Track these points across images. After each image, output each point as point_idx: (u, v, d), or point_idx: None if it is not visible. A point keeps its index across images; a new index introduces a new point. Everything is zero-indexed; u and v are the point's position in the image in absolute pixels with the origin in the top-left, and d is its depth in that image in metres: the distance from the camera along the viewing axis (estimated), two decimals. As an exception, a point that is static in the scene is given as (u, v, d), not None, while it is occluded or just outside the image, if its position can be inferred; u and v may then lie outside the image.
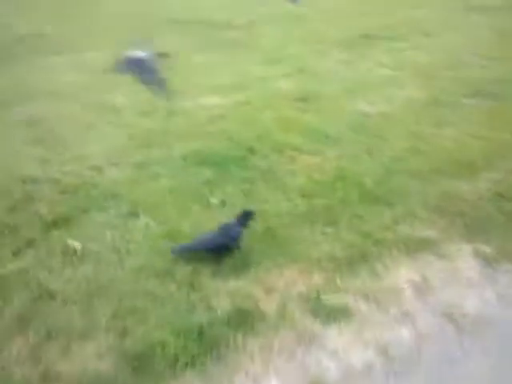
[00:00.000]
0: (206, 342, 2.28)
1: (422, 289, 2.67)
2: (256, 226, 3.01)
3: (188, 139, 4.30)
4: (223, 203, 3.38)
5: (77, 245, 2.84)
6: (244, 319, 2.40)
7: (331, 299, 2.55)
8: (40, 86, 5.44)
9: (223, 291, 2.58)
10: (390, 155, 4.01)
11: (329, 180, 3.67)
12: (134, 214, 3.21)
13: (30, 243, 2.90)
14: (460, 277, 2.78)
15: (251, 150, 4.09)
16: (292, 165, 3.92)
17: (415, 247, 2.98)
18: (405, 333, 2.41)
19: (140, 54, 3.06)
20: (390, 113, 4.83)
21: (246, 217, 2.92)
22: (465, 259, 2.92)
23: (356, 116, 4.78)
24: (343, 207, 3.32)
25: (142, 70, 2.98)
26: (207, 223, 3.12)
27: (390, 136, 4.37)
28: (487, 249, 2.98)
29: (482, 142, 4.16)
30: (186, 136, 4.36)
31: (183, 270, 2.70)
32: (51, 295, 2.53)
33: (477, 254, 2.94)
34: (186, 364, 2.20)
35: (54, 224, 3.07)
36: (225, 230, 2.85)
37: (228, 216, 3.20)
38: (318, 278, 2.68)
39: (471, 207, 3.33)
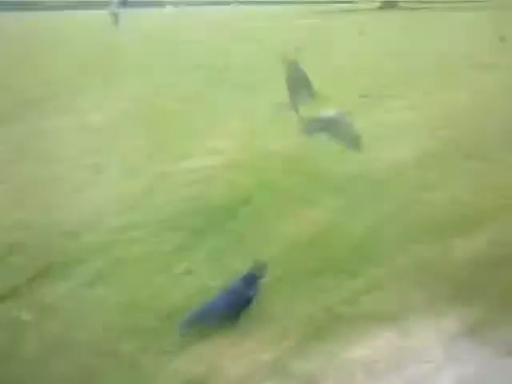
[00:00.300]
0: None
1: (375, 370, 2.53)
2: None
3: (168, 201, 4.33)
4: (189, 272, 3.34)
5: (26, 317, 2.83)
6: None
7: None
8: (36, 149, 5.63)
9: (169, 371, 2.50)
10: (366, 222, 3.93)
11: (301, 247, 3.62)
12: (94, 284, 3.20)
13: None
14: (420, 357, 2.63)
15: (231, 212, 4.07)
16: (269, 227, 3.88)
17: (376, 322, 2.85)
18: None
19: (330, 113, 3.19)
20: (375, 175, 4.77)
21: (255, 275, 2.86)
22: (428, 336, 2.77)
23: (340, 178, 4.74)
24: (307, 278, 3.24)
25: (335, 129, 3.06)
26: (169, 293, 3.10)
27: (371, 200, 4.30)
28: (454, 325, 2.82)
29: (465, 207, 4.03)
30: (166, 198, 4.40)
31: (129, 347, 2.64)
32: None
33: (441, 330, 2.79)
34: None
35: (14, 292, 3.08)
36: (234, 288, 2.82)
37: (193, 286, 3.18)
38: (259, 363, 2.56)
39: (441, 278, 3.19)
